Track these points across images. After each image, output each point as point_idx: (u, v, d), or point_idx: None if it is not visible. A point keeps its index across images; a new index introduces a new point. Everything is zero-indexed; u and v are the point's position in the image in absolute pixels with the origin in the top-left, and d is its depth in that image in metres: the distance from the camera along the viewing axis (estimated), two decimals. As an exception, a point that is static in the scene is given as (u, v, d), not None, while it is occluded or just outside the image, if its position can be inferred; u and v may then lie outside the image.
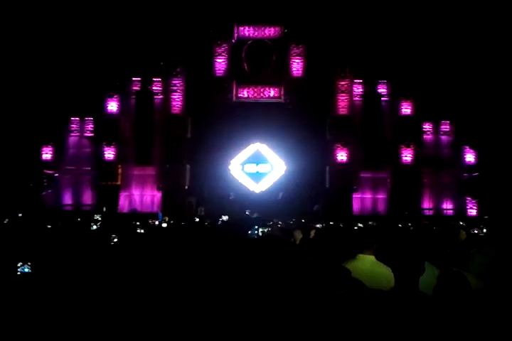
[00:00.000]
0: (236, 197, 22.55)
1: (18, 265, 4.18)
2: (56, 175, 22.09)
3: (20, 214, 14.95)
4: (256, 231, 6.09)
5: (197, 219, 17.04)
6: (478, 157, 21.65)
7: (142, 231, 10.08)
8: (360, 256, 4.24)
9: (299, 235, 7.13)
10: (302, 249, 4.81)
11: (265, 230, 6.31)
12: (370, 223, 12.58)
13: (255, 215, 17.62)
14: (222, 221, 14.16)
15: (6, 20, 20.20)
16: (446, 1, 20.78)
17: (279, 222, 12.93)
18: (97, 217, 14.60)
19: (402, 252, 3.11)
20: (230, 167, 23.19)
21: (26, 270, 4.14)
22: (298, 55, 22.41)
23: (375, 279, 3.38)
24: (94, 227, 9.06)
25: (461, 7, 20.36)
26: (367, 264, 4.09)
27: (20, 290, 3.95)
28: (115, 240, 7.26)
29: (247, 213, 16.82)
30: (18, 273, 4.17)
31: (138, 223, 11.81)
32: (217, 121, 22.21)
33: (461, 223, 12.41)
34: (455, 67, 20.42)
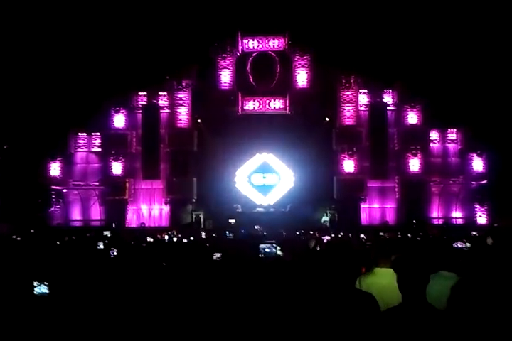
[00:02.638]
0: (243, 209, 22.51)
1: (35, 284, 4.15)
2: (64, 190, 22.15)
3: (32, 231, 14.94)
4: (274, 250, 6.01)
5: (203, 234, 16.89)
6: (486, 165, 21.53)
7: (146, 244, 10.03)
8: (378, 269, 4.20)
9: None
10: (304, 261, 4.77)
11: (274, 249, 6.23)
12: (381, 234, 12.47)
13: (259, 229, 17.46)
14: (230, 237, 14.00)
15: (17, 38, 20.42)
16: (450, 10, 20.81)
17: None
18: (106, 233, 14.54)
19: (415, 263, 3.09)
20: (236, 179, 23.16)
21: (44, 290, 4.10)
22: (302, 66, 22.50)
23: (396, 293, 3.33)
24: (101, 246, 8.99)
25: (465, 17, 20.40)
26: (385, 278, 4.03)
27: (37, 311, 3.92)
28: (114, 253, 7.21)
29: (256, 228, 16.71)
30: (36, 293, 4.14)
31: (148, 238, 11.77)
32: (224, 133, 22.28)
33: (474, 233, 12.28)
34: (461, 76, 20.39)
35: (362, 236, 13.18)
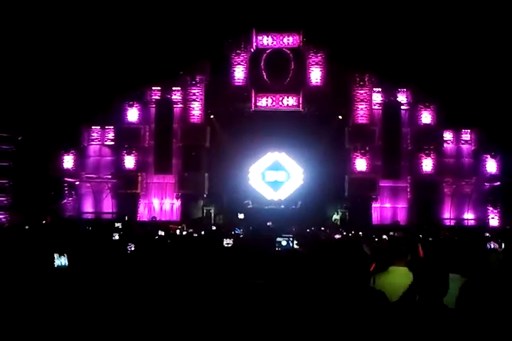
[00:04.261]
0: (254, 204, 22.57)
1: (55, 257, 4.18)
2: (77, 183, 22.32)
3: (44, 222, 15.10)
4: (291, 244, 6.04)
5: (214, 228, 16.98)
6: (499, 166, 21.36)
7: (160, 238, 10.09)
8: (392, 268, 4.21)
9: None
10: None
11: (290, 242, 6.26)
12: (391, 233, 12.45)
13: (271, 226, 17.46)
14: (240, 234, 14.04)
15: (30, 36, 20.58)
16: (467, 11, 20.62)
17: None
18: (118, 225, 14.66)
19: (436, 264, 3.10)
20: (249, 175, 23.24)
21: (63, 262, 4.14)
22: (316, 63, 22.43)
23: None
24: (117, 237, 9.06)
25: (481, 19, 20.22)
26: (399, 277, 4.05)
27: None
28: (132, 248, 7.25)
29: (268, 224, 16.72)
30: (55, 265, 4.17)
31: (160, 231, 11.85)
32: (236, 129, 22.32)
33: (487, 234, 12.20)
34: (476, 76, 20.23)
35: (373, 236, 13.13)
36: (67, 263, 4.31)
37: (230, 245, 7.19)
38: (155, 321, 3.57)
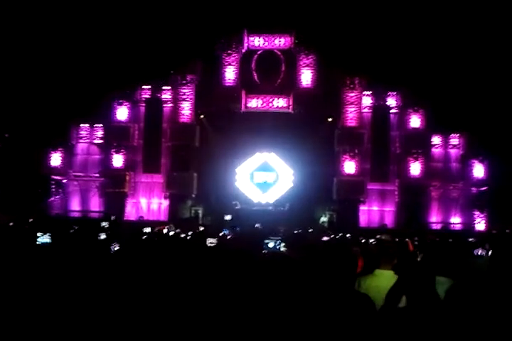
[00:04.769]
0: (242, 205, 22.55)
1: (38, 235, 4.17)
2: (64, 181, 22.16)
3: (31, 220, 14.94)
4: (278, 246, 6.01)
5: (201, 229, 16.89)
6: (487, 171, 21.53)
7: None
8: (378, 271, 4.20)
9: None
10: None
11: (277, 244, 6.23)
12: (378, 236, 12.48)
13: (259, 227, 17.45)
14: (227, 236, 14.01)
15: (19, 31, 20.40)
16: (456, 16, 20.78)
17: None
18: (104, 224, 14.55)
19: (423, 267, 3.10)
20: (237, 176, 23.20)
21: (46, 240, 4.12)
22: (307, 65, 22.46)
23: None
24: (103, 237, 8.95)
25: (470, 23, 20.38)
26: (385, 280, 4.04)
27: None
28: (116, 248, 7.16)
29: (256, 226, 16.69)
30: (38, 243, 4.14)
31: (147, 231, 11.78)
32: (226, 130, 22.29)
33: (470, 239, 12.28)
34: (465, 81, 20.39)
35: (360, 238, 13.17)
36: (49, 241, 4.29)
37: (213, 244, 7.13)
38: (138, 321, 3.53)
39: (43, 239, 4.15)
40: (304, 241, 7.31)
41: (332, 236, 14.76)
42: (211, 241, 6.67)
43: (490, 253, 7.34)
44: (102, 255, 5.90)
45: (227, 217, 20.84)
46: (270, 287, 3.28)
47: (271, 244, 6.18)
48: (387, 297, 3.25)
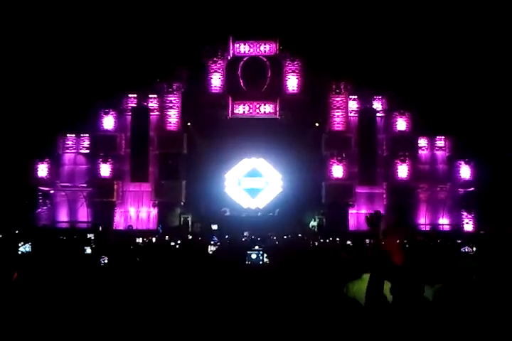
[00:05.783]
0: (231, 212, 22.52)
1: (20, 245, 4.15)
2: (51, 191, 21.98)
3: (17, 231, 14.76)
4: (260, 257, 6.01)
5: (190, 237, 16.81)
6: (473, 172, 21.72)
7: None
8: (366, 275, 4.20)
9: None
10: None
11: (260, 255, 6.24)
12: (366, 241, 12.52)
13: (247, 236, 17.36)
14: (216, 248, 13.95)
15: (7, 37, 20.30)
16: (440, 19, 21.03)
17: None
18: (91, 236, 14.33)
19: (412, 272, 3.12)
20: (225, 183, 23.19)
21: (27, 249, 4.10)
22: (293, 71, 22.58)
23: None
24: (88, 251, 8.83)
25: (453, 27, 20.63)
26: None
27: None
28: (105, 261, 7.06)
29: (245, 234, 16.66)
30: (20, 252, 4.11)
31: (137, 240, 11.70)
32: (213, 137, 22.28)
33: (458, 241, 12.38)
34: (450, 83, 20.60)
35: (348, 242, 13.22)
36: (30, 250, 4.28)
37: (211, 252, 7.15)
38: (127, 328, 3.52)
39: (25, 248, 4.14)
40: (288, 249, 7.33)
41: (321, 240, 14.81)
42: (211, 249, 6.69)
43: (475, 250, 7.45)
44: (89, 269, 5.85)
45: (214, 227, 20.74)
46: (256, 296, 3.29)
47: (253, 255, 6.19)
48: (366, 297, 3.28)
